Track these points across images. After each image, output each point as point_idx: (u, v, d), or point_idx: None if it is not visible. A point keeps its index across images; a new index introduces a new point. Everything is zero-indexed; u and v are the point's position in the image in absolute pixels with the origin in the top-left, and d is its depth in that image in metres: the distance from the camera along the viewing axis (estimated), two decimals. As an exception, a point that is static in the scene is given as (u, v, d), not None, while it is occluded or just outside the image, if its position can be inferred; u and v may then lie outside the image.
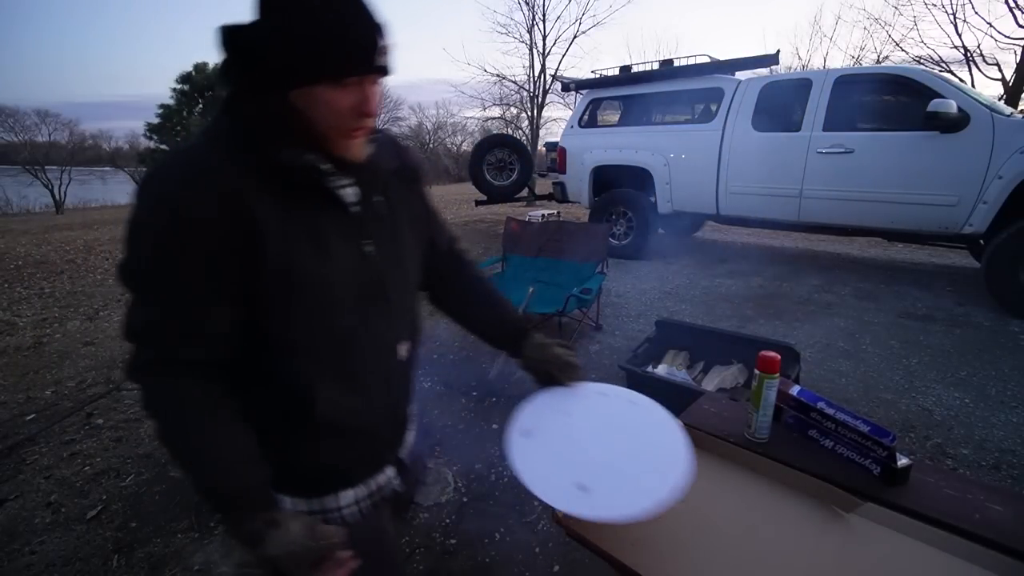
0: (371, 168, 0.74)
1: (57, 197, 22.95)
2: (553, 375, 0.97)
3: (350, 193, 0.72)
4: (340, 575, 0.63)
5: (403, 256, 0.82)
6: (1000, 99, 9.21)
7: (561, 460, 0.82)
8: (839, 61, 14.59)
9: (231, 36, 0.64)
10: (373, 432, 0.82)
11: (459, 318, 1.05)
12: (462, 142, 35.86)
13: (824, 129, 4.15)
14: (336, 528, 0.66)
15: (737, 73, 5.08)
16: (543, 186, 7.68)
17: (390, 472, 0.88)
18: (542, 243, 3.81)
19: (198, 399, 0.66)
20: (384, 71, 0.66)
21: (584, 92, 6.03)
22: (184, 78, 13.98)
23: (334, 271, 0.70)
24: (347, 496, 0.80)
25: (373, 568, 0.74)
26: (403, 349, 0.84)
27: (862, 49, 13.87)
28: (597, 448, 0.84)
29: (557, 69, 14.17)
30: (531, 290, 3.37)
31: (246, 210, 0.62)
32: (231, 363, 0.68)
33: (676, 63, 5.40)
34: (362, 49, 0.63)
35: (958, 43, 11.12)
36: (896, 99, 4.02)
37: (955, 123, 3.50)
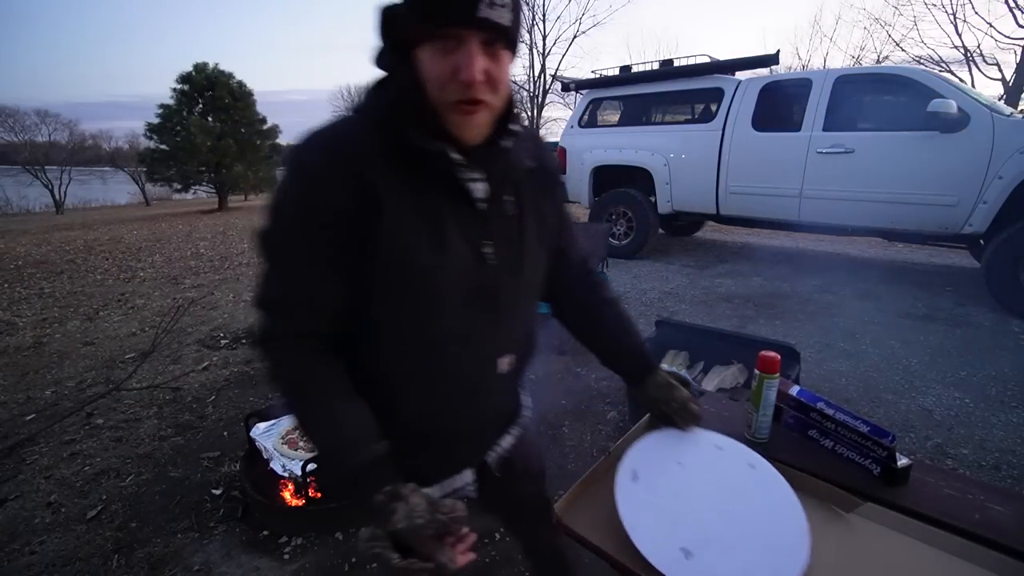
0: (505, 165, 0.70)
1: (57, 197, 22.94)
2: (671, 418, 0.93)
3: (479, 188, 0.69)
4: (461, 550, 0.61)
5: (524, 263, 0.75)
6: (1000, 99, 9.20)
7: (667, 515, 0.78)
8: (839, 61, 14.62)
9: (388, 17, 0.63)
10: (455, 438, 0.80)
11: (582, 338, 0.99)
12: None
13: (824, 129, 4.15)
14: (459, 502, 0.63)
15: (737, 73, 5.08)
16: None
17: (468, 476, 0.87)
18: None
19: (324, 374, 0.66)
20: (493, 27, 0.58)
21: (584, 92, 6.03)
22: (184, 78, 13.92)
23: (446, 267, 0.66)
24: (429, 489, 0.79)
25: None
26: (505, 362, 0.79)
27: (862, 49, 13.91)
28: (707, 511, 0.79)
29: (557, 69, 14.18)
30: (531, 290, 3.37)
31: (371, 188, 0.61)
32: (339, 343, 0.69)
33: (676, 63, 5.40)
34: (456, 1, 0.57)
35: (958, 43, 11.14)
36: (896, 99, 4.02)
37: (955, 123, 3.50)
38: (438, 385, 0.74)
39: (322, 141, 0.63)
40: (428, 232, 0.65)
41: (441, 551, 0.59)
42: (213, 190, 14.83)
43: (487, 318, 0.73)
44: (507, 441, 0.93)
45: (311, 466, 1.74)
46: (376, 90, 0.66)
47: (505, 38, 0.61)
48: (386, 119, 0.63)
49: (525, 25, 0.69)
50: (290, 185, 0.63)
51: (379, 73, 0.67)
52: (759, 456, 0.88)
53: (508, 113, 0.70)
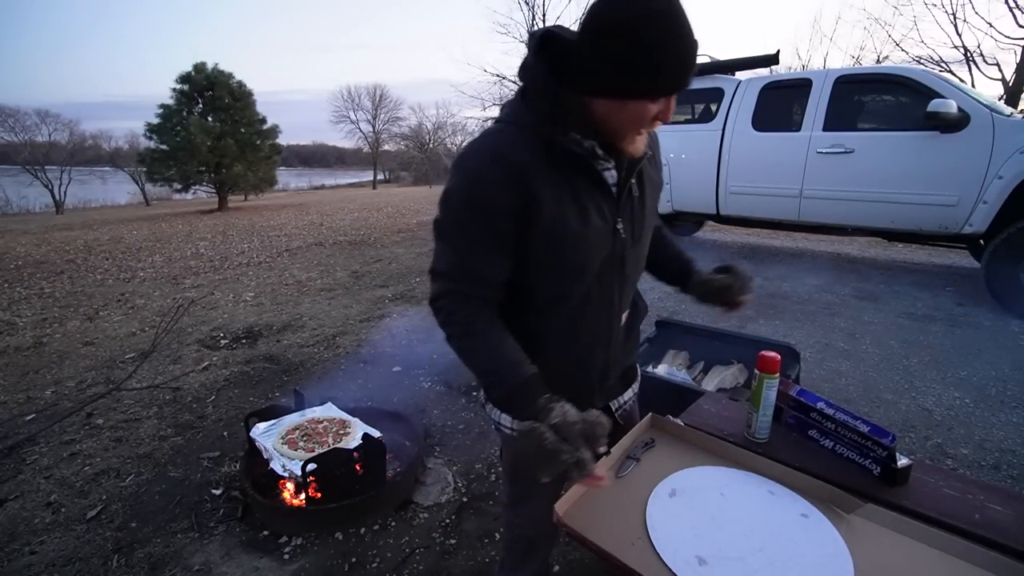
0: (632, 158, 0.84)
1: (57, 197, 22.93)
2: (723, 301, 1.08)
3: (611, 176, 0.84)
4: (601, 452, 0.74)
5: (643, 235, 0.94)
6: (1000, 99, 9.20)
7: (694, 528, 0.78)
8: (839, 61, 14.61)
9: (547, 42, 0.76)
10: (585, 379, 0.96)
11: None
12: (462, 142, 35.80)
13: (824, 129, 4.14)
14: (602, 415, 0.76)
15: (737, 73, 5.08)
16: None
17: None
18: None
19: (486, 320, 0.83)
20: (687, 87, 0.74)
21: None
22: (184, 78, 13.90)
23: (589, 239, 0.83)
24: None
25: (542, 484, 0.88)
26: (624, 316, 0.98)
27: (862, 49, 13.89)
28: (739, 536, 0.77)
29: (557, 69, 14.16)
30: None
31: (529, 184, 0.77)
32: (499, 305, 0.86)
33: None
34: (679, 74, 0.71)
35: (958, 43, 11.13)
36: (896, 99, 4.02)
37: (955, 123, 3.50)
38: (576, 336, 0.91)
39: (487, 150, 0.80)
40: (576, 212, 0.81)
41: (585, 444, 0.72)
42: (213, 190, 14.81)
43: (616, 280, 0.91)
44: (627, 395, 1.11)
45: (311, 466, 1.74)
46: (525, 103, 0.80)
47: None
48: (541, 127, 0.78)
49: None
50: (462, 184, 0.80)
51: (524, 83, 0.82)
52: (814, 508, 0.84)
53: None
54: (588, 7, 0.71)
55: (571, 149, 0.78)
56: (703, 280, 1.08)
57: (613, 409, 1.07)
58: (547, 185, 0.78)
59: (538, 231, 0.79)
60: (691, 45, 0.69)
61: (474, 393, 2.70)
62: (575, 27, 0.78)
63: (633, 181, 0.88)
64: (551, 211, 0.79)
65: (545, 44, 0.76)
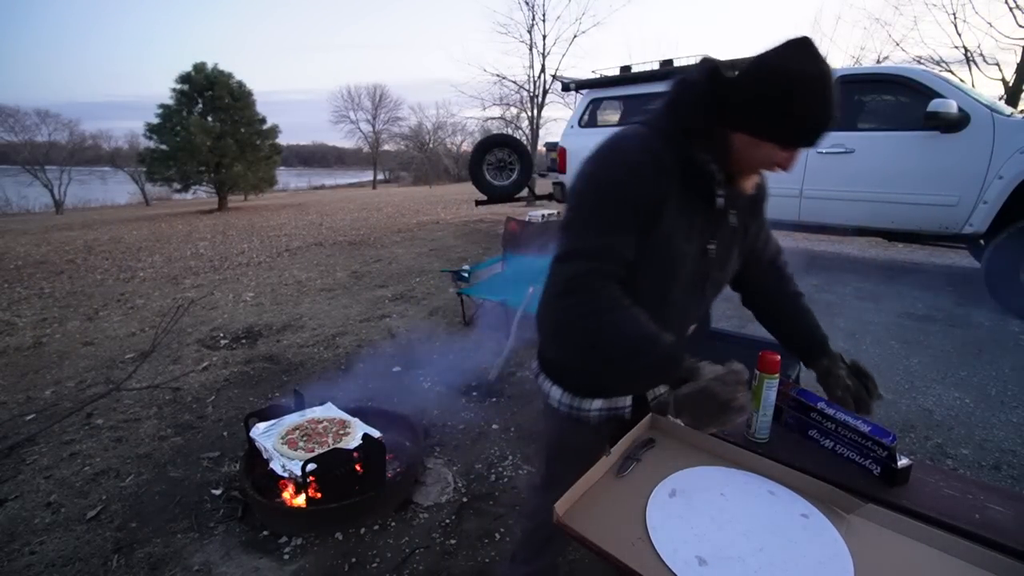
0: (738, 188, 0.94)
1: (57, 197, 22.93)
2: (840, 401, 1.04)
3: (720, 201, 0.91)
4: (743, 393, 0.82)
5: (728, 262, 1.01)
6: (1000, 99, 9.20)
7: (694, 528, 0.78)
8: (839, 61, 14.59)
9: (714, 73, 0.84)
10: None
11: (764, 321, 1.18)
12: (462, 142, 35.87)
13: (824, 129, 4.14)
14: (742, 366, 0.84)
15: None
16: (543, 186, 7.68)
17: (627, 401, 1.08)
18: (542, 243, 3.81)
19: (625, 297, 0.87)
20: (812, 144, 0.83)
21: (584, 92, 6.03)
22: (184, 78, 13.88)
23: (687, 253, 0.91)
24: (596, 402, 1.05)
25: (576, 456, 0.99)
26: (691, 329, 1.08)
27: (862, 49, 13.87)
28: (738, 536, 0.77)
29: (557, 69, 14.17)
30: (531, 290, 3.37)
31: (665, 184, 0.85)
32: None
33: (676, 63, 5.40)
34: (816, 134, 0.81)
35: (958, 43, 11.12)
36: (896, 99, 4.02)
37: (955, 123, 3.50)
38: None
39: (640, 141, 0.87)
40: (686, 223, 0.89)
41: (741, 389, 0.81)
42: (213, 190, 14.81)
43: (694, 297, 0.99)
44: (662, 388, 1.11)
45: (311, 466, 1.74)
46: (674, 115, 0.88)
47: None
48: (683, 141, 0.86)
49: None
50: (613, 168, 0.87)
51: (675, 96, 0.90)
52: (815, 508, 0.84)
53: None
54: (761, 53, 0.80)
55: (702, 167, 0.87)
56: (828, 372, 1.05)
57: (649, 398, 1.12)
58: (676, 191, 0.87)
59: (656, 228, 0.87)
60: (834, 111, 0.79)
61: (474, 393, 2.70)
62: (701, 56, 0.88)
63: (733, 212, 0.96)
64: (671, 214, 0.87)
65: (715, 74, 0.84)
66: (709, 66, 0.85)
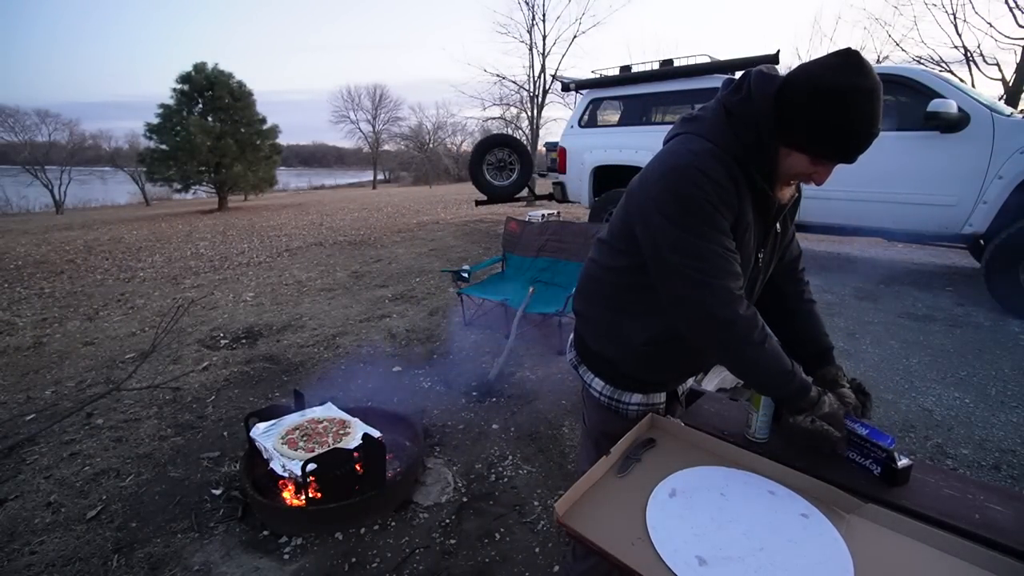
0: (779, 199, 0.98)
1: (57, 197, 22.92)
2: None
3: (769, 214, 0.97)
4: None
5: (771, 267, 1.07)
6: (1000, 99, 9.20)
7: (694, 528, 0.79)
8: (839, 61, 14.57)
9: (777, 88, 0.85)
10: (688, 370, 1.16)
11: (770, 322, 1.14)
12: (462, 142, 35.87)
13: (824, 129, 4.14)
14: (852, 395, 1.00)
15: (737, 73, 5.06)
16: (543, 186, 7.68)
17: (662, 397, 1.15)
18: (542, 243, 3.81)
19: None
20: (852, 161, 0.85)
21: (584, 92, 6.03)
22: (184, 78, 13.87)
23: (748, 265, 0.96)
24: (635, 397, 1.12)
25: (612, 444, 1.01)
26: None
27: (862, 49, 13.85)
28: (739, 536, 0.78)
29: (557, 69, 14.16)
30: (531, 290, 3.37)
31: (740, 199, 0.89)
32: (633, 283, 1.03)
33: (676, 63, 5.39)
34: (852, 152, 0.83)
35: (958, 43, 11.11)
36: (896, 99, 4.02)
37: (955, 123, 3.50)
38: (696, 346, 1.02)
39: (713, 159, 0.88)
40: (747, 237, 0.93)
41: (841, 427, 0.92)
42: (213, 190, 14.81)
43: (749, 298, 0.99)
44: (689, 382, 1.28)
45: (311, 466, 1.74)
46: (730, 129, 0.89)
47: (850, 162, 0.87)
48: (744, 155, 0.89)
49: None
50: (702, 186, 0.86)
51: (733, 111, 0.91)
52: (814, 508, 0.84)
53: None
54: (810, 67, 0.82)
55: (756, 181, 0.90)
56: (834, 384, 1.05)
57: (679, 392, 1.23)
58: (746, 203, 0.91)
59: (732, 239, 0.91)
60: (877, 129, 0.80)
61: (474, 393, 2.70)
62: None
63: (779, 223, 1.01)
64: (743, 225, 0.91)
65: (782, 90, 0.84)
66: (773, 85, 0.86)
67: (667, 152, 0.94)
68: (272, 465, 1.88)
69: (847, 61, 0.78)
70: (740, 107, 0.89)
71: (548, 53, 14.17)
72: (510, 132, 15.91)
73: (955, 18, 10.97)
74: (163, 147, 13.75)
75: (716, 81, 4.94)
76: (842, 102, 0.77)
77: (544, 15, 14.03)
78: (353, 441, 1.94)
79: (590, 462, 1.22)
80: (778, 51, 4.82)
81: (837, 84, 0.77)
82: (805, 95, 0.81)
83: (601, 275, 1.09)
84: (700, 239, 0.87)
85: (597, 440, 1.21)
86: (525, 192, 7.45)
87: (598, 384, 1.14)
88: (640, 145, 5.25)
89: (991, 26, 10.51)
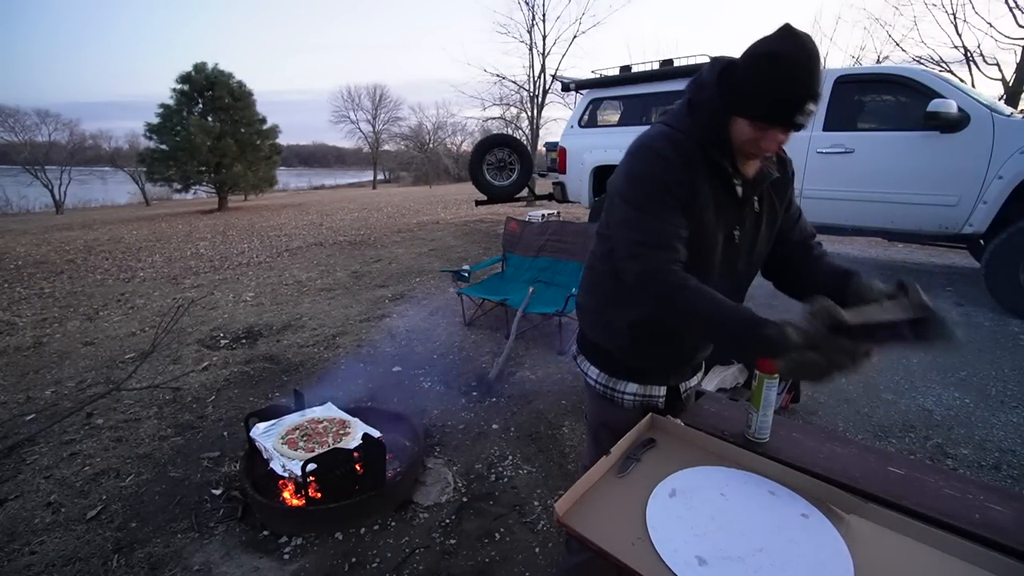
0: (757, 177, 1.00)
1: (57, 197, 22.92)
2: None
3: (739, 190, 0.99)
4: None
5: (755, 247, 1.06)
6: (1000, 99, 9.20)
7: (694, 528, 0.79)
8: (839, 61, 14.57)
9: (721, 68, 0.93)
10: (677, 354, 1.14)
11: (795, 288, 1.14)
12: (462, 142, 35.85)
13: (824, 129, 4.14)
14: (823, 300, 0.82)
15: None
16: (543, 186, 7.68)
17: (661, 391, 1.15)
18: (542, 243, 3.81)
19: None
20: (796, 127, 0.88)
21: (584, 92, 6.03)
22: (184, 78, 13.86)
23: (713, 239, 0.98)
24: (631, 386, 1.13)
25: (608, 432, 1.10)
26: None
27: (862, 49, 13.84)
28: (738, 536, 0.78)
29: (557, 69, 14.16)
30: (531, 290, 3.37)
31: (692, 174, 0.94)
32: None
33: (676, 63, 5.39)
34: (781, 112, 0.86)
35: (958, 43, 11.10)
36: (896, 99, 4.02)
37: (955, 123, 3.50)
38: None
39: (665, 138, 0.96)
40: (712, 212, 0.96)
41: (832, 338, 0.77)
42: (213, 190, 14.81)
43: (729, 279, 1.03)
44: (693, 381, 1.24)
45: (311, 466, 1.74)
46: (689, 115, 0.97)
47: (796, 130, 0.89)
48: (701, 137, 0.95)
49: None
50: (647, 161, 0.95)
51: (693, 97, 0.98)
52: (814, 508, 0.84)
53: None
54: (753, 42, 0.88)
55: (718, 161, 0.95)
56: (864, 290, 0.94)
57: (681, 391, 1.21)
58: (700, 182, 0.95)
59: (689, 216, 0.95)
60: (808, 91, 0.84)
61: (474, 393, 2.70)
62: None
63: (756, 199, 1.02)
64: (699, 204, 0.95)
65: (725, 71, 0.93)
66: (721, 66, 0.94)
67: (634, 140, 1.03)
68: (272, 465, 1.88)
69: (780, 32, 0.85)
70: (697, 93, 0.97)
71: (548, 53, 14.18)
72: (510, 132, 15.91)
73: (955, 18, 10.97)
74: (163, 147, 13.75)
75: (716, 81, 4.94)
76: (770, 64, 0.84)
77: (544, 15, 14.04)
78: (353, 441, 1.94)
79: (590, 456, 1.24)
80: (778, 51, 4.82)
81: (768, 49, 0.85)
82: (743, 62, 0.89)
83: (595, 264, 1.14)
84: (643, 212, 0.94)
85: (596, 432, 1.24)
86: (525, 192, 7.44)
87: (593, 372, 1.17)
88: (640, 145, 5.24)
89: (991, 26, 10.51)
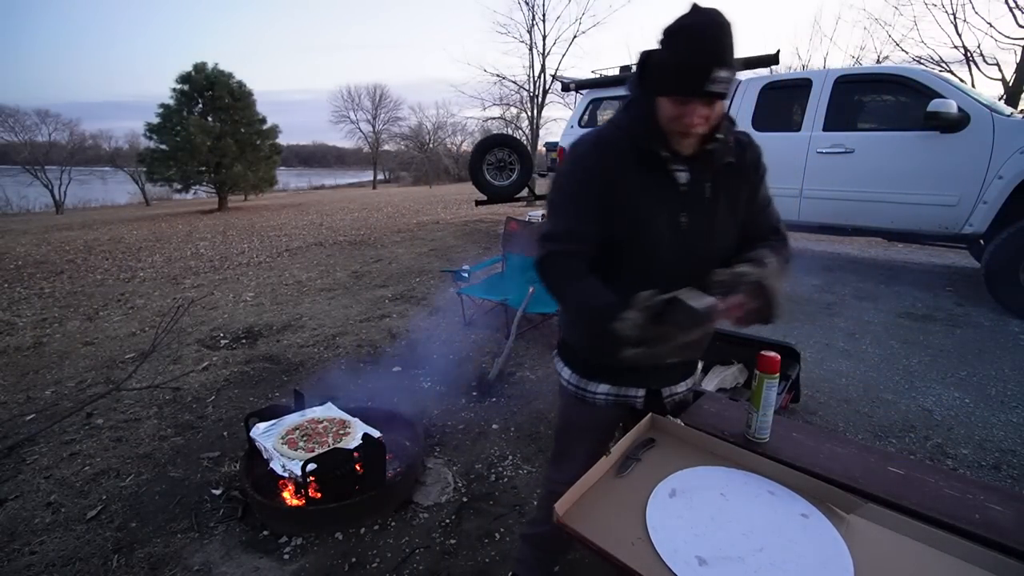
0: (704, 160, 0.99)
1: (57, 197, 22.93)
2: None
3: (682, 176, 0.99)
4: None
5: (714, 232, 1.03)
6: (1000, 99, 9.19)
7: (694, 528, 0.79)
8: (839, 61, 14.58)
9: (642, 56, 0.96)
10: (605, 349, 1.06)
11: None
12: (462, 142, 35.86)
13: (824, 129, 4.14)
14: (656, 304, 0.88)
15: (737, 73, 5.07)
16: (543, 186, 7.68)
17: (639, 392, 1.14)
18: (542, 243, 3.80)
19: (579, 268, 1.01)
20: (710, 96, 0.87)
21: (584, 92, 6.03)
22: (184, 78, 13.86)
23: (653, 227, 0.99)
24: (602, 387, 1.13)
25: (579, 435, 1.18)
26: None
27: (862, 49, 13.86)
28: (739, 536, 0.78)
29: (557, 69, 14.17)
30: (531, 290, 3.37)
31: (614, 171, 0.98)
32: (594, 260, 1.03)
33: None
34: (684, 81, 0.87)
35: (958, 43, 11.11)
36: (896, 99, 4.02)
37: (955, 123, 3.50)
38: None
39: (590, 140, 1.02)
40: (644, 203, 0.98)
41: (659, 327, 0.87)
42: (213, 190, 14.81)
43: (682, 268, 1.00)
44: (681, 387, 1.19)
45: (311, 466, 1.74)
46: (625, 109, 1.01)
47: (725, 95, 0.90)
48: (632, 131, 0.98)
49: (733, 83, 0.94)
50: (571, 164, 1.02)
51: (630, 95, 1.02)
52: (813, 508, 0.84)
53: (717, 127, 0.97)
54: None
55: (652, 150, 0.96)
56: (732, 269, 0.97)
57: (664, 395, 1.17)
58: (629, 175, 0.98)
59: (615, 210, 0.98)
60: (706, 58, 0.85)
61: (474, 393, 2.70)
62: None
63: (708, 184, 1.00)
64: (631, 194, 0.98)
65: (644, 58, 0.95)
66: (641, 56, 0.97)
67: None
68: (272, 465, 1.88)
69: (688, 9, 0.88)
70: (630, 88, 1.02)
71: (548, 53, 14.19)
72: (510, 132, 15.91)
73: (955, 18, 10.97)
74: (163, 147, 13.74)
75: (716, 81, 4.94)
76: (675, 38, 0.88)
77: (544, 15, 14.06)
78: (353, 441, 1.94)
79: (552, 451, 1.31)
80: (778, 51, 4.82)
81: (674, 25, 0.88)
82: (657, 44, 0.92)
83: None
84: (554, 209, 1.04)
85: (558, 431, 1.29)
86: (525, 192, 7.44)
87: (566, 373, 1.18)
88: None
89: (991, 26, 10.51)
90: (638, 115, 0.97)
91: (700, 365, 1.27)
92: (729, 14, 0.88)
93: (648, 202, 0.98)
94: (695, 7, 0.88)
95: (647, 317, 0.87)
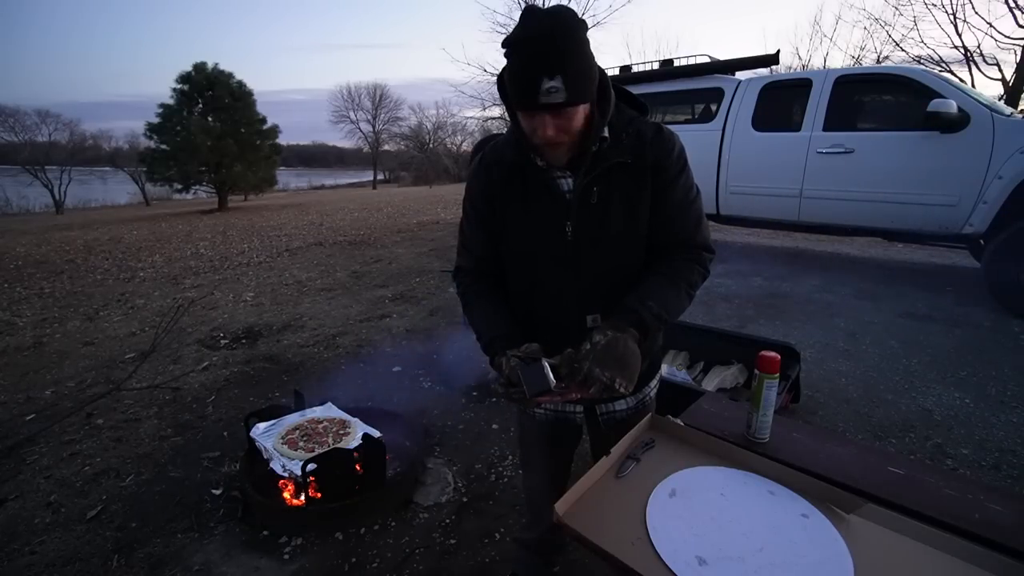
0: (589, 165, 0.93)
1: (57, 197, 22.92)
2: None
3: (566, 184, 0.97)
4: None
5: (604, 239, 0.97)
6: (1000, 99, 9.20)
7: (694, 528, 0.79)
8: (839, 61, 14.58)
9: (502, 76, 0.92)
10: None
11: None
12: (462, 142, 35.89)
13: (824, 129, 4.14)
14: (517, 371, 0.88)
15: (737, 73, 5.08)
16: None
17: (578, 409, 1.17)
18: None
19: (480, 288, 1.07)
20: (549, 108, 0.83)
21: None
22: (184, 78, 13.87)
23: (535, 237, 0.99)
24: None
25: (534, 444, 1.24)
26: (589, 320, 1.01)
27: (862, 49, 13.85)
28: (739, 536, 0.77)
29: (557, 69, 14.13)
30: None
31: (494, 185, 1.01)
32: (500, 273, 1.08)
33: (676, 63, 5.39)
34: (525, 92, 0.84)
35: (958, 43, 11.12)
36: (896, 99, 4.02)
37: (955, 123, 3.50)
38: (538, 324, 1.05)
39: (480, 157, 1.05)
40: (525, 214, 0.99)
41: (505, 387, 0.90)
42: (213, 190, 14.81)
43: (570, 277, 1.00)
44: (619, 405, 1.15)
45: (311, 466, 1.74)
46: (512, 123, 0.97)
47: (568, 104, 0.83)
48: (508, 143, 0.99)
49: (589, 77, 0.86)
50: (467, 183, 1.08)
51: None
52: (814, 508, 0.83)
53: (592, 129, 0.91)
54: None
55: (528, 161, 0.96)
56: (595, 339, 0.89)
57: (598, 413, 1.16)
58: (513, 188, 0.99)
59: (500, 225, 1.02)
60: (533, 74, 0.81)
61: (474, 393, 2.70)
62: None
63: (596, 189, 0.95)
64: (508, 209, 1.00)
65: (500, 75, 0.91)
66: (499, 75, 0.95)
67: None
68: (272, 465, 1.88)
69: (521, 18, 0.84)
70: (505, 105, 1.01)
71: (548, 53, 14.15)
72: (510, 132, 15.88)
73: (955, 18, 10.98)
74: (163, 147, 13.75)
75: (716, 81, 4.95)
76: (507, 53, 0.85)
77: (544, 15, 14.02)
78: (353, 441, 1.94)
79: (521, 466, 1.38)
80: (778, 51, 4.83)
81: (507, 39, 0.85)
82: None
83: None
84: (460, 225, 1.11)
85: (518, 441, 1.33)
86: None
87: None
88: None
89: (991, 26, 10.52)
90: (513, 127, 0.96)
91: (654, 382, 1.18)
92: (570, 15, 0.82)
93: (533, 213, 0.98)
94: (523, 15, 0.83)
95: (502, 375, 0.91)
